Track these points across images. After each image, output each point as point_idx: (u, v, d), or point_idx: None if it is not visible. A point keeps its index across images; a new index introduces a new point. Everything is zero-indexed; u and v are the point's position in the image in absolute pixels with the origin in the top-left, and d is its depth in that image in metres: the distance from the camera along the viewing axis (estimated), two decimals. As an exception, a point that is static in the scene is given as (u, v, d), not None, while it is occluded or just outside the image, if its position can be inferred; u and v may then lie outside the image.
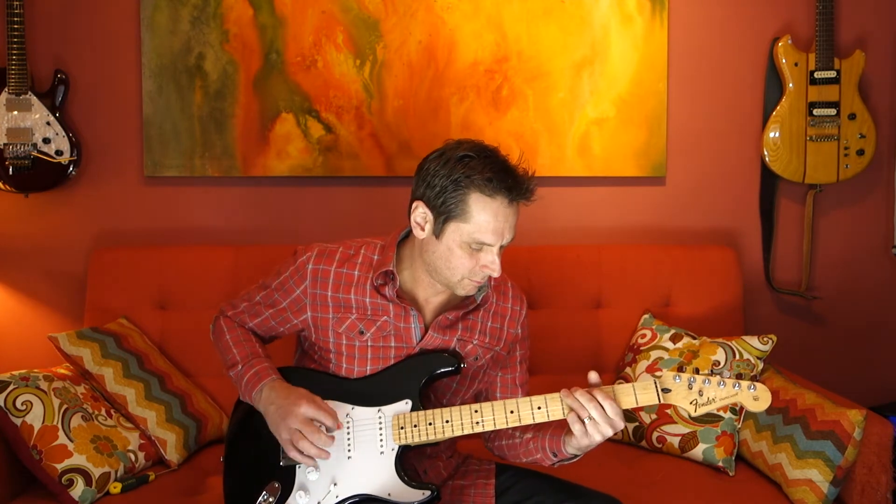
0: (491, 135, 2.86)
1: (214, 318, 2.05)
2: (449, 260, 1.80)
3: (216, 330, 2.02)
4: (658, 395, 1.76)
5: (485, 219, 1.76)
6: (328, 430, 1.80)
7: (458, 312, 1.92)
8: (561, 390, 1.78)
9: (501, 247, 1.80)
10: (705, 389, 1.76)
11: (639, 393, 1.77)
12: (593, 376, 1.79)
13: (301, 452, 1.78)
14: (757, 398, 1.74)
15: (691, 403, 1.76)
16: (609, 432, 1.74)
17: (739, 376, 1.77)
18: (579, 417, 1.74)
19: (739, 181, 3.00)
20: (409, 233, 1.91)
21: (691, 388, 1.76)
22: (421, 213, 1.82)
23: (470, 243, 1.78)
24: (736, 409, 2.42)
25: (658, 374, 1.79)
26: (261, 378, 1.87)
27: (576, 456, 1.86)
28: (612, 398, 1.74)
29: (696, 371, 1.78)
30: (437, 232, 1.80)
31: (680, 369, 1.78)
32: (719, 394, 1.75)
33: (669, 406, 2.46)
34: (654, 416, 2.48)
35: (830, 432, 2.17)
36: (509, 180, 1.76)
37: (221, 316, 2.03)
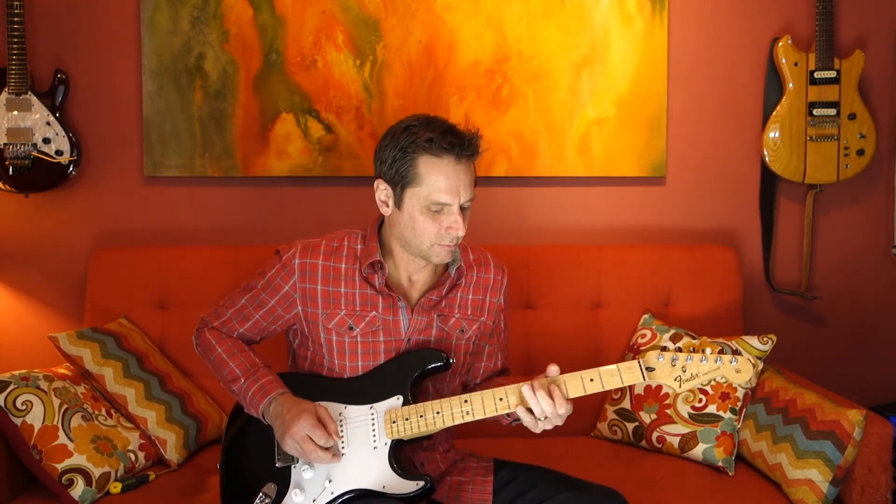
0: (491, 135, 2.86)
1: (197, 331, 2.05)
2: (414, 228, 1.85)
3: (202, 343, 2.02)
4: (642, 373, 1.80)
5: (436, 179, 1.81)
6: (323, 445, 1.82)
7: (440, 291, 1.96)
8: (523, 387, 1.81)
9: (462, 207, 1.84)
10: (688, 366, 1.81)
11: (623, 373, 1.81)
12: (553, 369, 1.82)
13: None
14: (739, 370, 1.80)
15: (675, 380, 1.81)
16: (558, 422, 1.80)
17: (721, 351, 1.80)
18: (533, 414, 1.80)
19: (739, 181, 3.00)
20: (385, 219, 1.96)
21: (674, 366, 1.81)
22: (382, 190, 1.89)
23: (429, 206, 1.83)
24: (736, 409, 2.42)
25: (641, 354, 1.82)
26: (267, 392, 1.89)
27: None
28: (562, 392, 1.78)
29: (679, 349, 1.82)
30: (398, 202, 1.86)
31: (663, 349, 1.82)
32: (702, 369, 1.80)
33: (669, 406, 2.46)
34: (654, 416, 2.48)
35: (830, 432, 2.17)
36: (450, 138, 1.82)
37: (206, 328, 2.03)
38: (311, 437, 1.81)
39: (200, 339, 2.03)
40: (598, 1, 2.90)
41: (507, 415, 1.92)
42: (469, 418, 1.84)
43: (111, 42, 2.86)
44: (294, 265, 1.94)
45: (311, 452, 1.81)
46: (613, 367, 1.82)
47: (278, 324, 2.00)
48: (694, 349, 1.83)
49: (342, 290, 1.93)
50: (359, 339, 1.93)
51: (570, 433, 2.60)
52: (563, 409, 1.78)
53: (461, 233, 1.84)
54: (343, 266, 1.94)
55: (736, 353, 1.82)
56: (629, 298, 2.75)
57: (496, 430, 2.10)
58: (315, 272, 1.93)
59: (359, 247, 1.96)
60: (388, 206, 1.89)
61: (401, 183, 1.84)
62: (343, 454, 1.87)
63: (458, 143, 1.82)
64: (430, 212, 1.83)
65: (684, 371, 1.80)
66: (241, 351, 1.97)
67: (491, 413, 1.84)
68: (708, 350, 1.82)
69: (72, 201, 2.88)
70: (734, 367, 1.79)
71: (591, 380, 1.81)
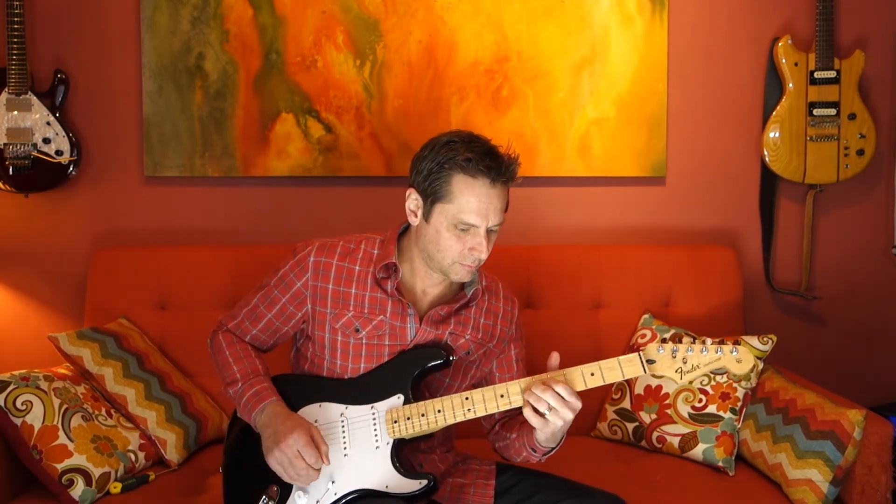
0: (491, 135, 2.81)
1: (213, 333, 2.04)
2: (438, 243, 1.84)
3: (214, 345, 2.01)
4: (643, 366, 1.80)
5: (467, 199, 1.80)
6: (314, 466, 1.80)
7: (450, 307, 1.95)
8: (524, 384, 1.81)
9: (489, 230, 1.84)
10: (689, 357, 1.80)
11: (624, 366, 1.81)
12: (554, 360, 1.82)
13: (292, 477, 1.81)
14: (740, 360, 1.79)
15: (676, 372, 1.80)
16: (569, 416, 1.76)
17: (721, 341, 1.80)
18: (537, 411, 1.76)
19: (739, 181, 3.00)
20: (408, 227, 1.95)
21: (675, 357, 1.80)
22: (413, 200, 1.88)
23: (456, 224, 1.82)
24: (736, 409, 2.42)
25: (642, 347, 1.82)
26: (261, 399, 1.88)
27: (552, 448, 1.90)
28: (564, 381, 1.77)
29: (679, 340, 1.81)
30: (426, 215, 1.85)
31: (663, 341, 1.81)
32: (702, 360, 1.80)
33: (669, 406, 2.46)
34: (654, 416, 2.48)
35: (830, 432, 2.17)
36: (488, 160, 1.81)
37: (221, 331, 2.02)
38: (301, 455, 1.78)
39: (214, 341, 2.02)
40: (598, 1, 2.90)
41: (534, 450, 1.90)
42: (471, 415, 1.84)
43: (111, 42, 2.86)
44: (309, 262, 1.94)
45: (302, 469, 1.77)
46: (614, 360, 1.81)
47: (290, 324, 1.99)
48: (695, 340, 1.82)
49: (352, 290, 1.92)
50: (364, 342, 1.92)
51: (570, 433, 2.57)
52: (571, 398, 1.75)
53: (484, 256, 1.83)
54: (357, 268, 1.93)
55: (736, 343, 1.81)
56: (629, 298, 2.75)
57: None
58: (328, 271, 1.93)
59: (376, 251, 1.95)
60: (416, 216, 1.88)
61: (432, 196, 1.83)
62: (345, 454, 1.86)
63: (495, 166, 1.81)
64: (456, 230, 1.82)
65: (685, 362, 1.80)
66: (246, 356, 1.96)
67: (492, 409, 1.83)
68: (708, 341, 1.81)
69: (72, 201, 2.88)
70: (735, 358, 1.79)
71: (592, 374, 1.81)
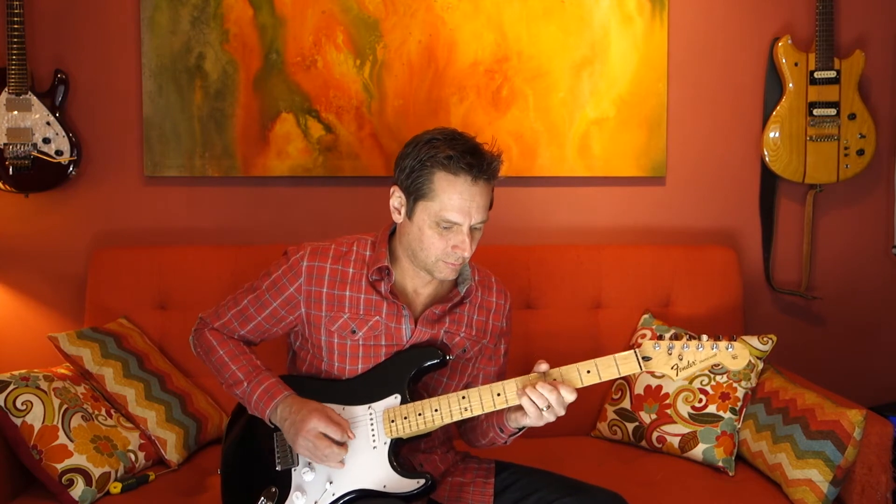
0: (491, 134, 2.84)
1: (195, 331, 2.04)
2: (421, 241, 1.85)
3: (202, 343, 2.01)
4: (639, 363, 1.80)
5: (448, 197, 1.80)
6: (338, 441, 1.82)
7: (444, 306, 1.95)
8: (520, 383, 1.82)
9: (473, 228, 1.84)
10: (685, 354, 1.80)
11: (620, 364, 1.81)
12: (543, 366, 1.83)
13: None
14: (735, 356, 1.79)
15: (672, 368, 1.81)
16: (562, 413, 1.79)
17: (717, 338, 1.80)
18: (537, 406, 1.78)
19: (739, 181, 3.00)
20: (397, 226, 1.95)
21: (671, 354, 1.81)
22: (397, 198, 1.89)
23: (438, 222, 1.82)
24: (736, 409, 2.42)
25: (639, 344, 1.82)
26: (273, 396, 1.89)
27: (519, 430, 1.92)
28: (564, 383, 1.80)
29: (675, 337, 1.81)
30: (410, 213, 1.86)
31: (659, 338, 1.81)
32: (699, 356, 1.80)
33: (669, 406, 2.46)
34: (654, 416, 2.48)
35: (830, 432, 2.17)
36: (469, 158, 1.80)
37: (207, 329, 2.02)
38: (325, 434, 1.80)
39: (200, 340, 2.02)
40: (598, 1, 2.90)
41: (501, 430, 1.92)
42: (467, 414, 1.84)
43: (111, 42, 2.86)
44: (302, 267, 1.93)
45: (326, 449, 1.80)
46: (610, 357, 1.82)
47: (280, 326, 1.99)
48: (691, 336, 1.82)
49: (347, 293, 1.93)
50: (360, 343, 1.93)
51: (570, 433, 2.61)
52: (569, 399, 1.77)
53: (467, 254, 1.83)
54: (350, 270, 1.94)
55: (732, 339, 1.80)
56: (629, 298, 2.75)
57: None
58: (322, 275, 1.93)
59: (368, 253, 1.95)
60: (400, 214, 1.89)
61: (415, 195, 1.83)
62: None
63: (476, 164, 1.80)
64: (438, 228, 1.82)
65: (681, 359, 1.80)
66: (242, 353, 1.97)
67: (489, 408, 1.84)
68: (704, 337, 1.81)
69: (72, 201, 2.87)
70: (731, 354, 1.79)
71: (588, 371, 1.82)
